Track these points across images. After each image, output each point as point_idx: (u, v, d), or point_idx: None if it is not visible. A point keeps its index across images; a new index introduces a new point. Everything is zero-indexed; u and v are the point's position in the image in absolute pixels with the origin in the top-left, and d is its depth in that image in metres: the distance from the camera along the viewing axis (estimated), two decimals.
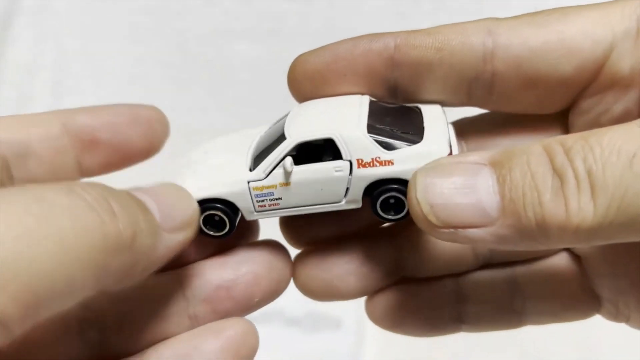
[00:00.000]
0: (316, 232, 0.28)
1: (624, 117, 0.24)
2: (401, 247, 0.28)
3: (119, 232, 0.18)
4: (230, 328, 0.25)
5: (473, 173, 0.20)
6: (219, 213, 0.25)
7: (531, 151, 0.20)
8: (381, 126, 0.24)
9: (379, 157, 0.23)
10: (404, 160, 0.23)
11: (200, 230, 0.25)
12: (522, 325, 0.29)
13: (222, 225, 0.25)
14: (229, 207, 0.25)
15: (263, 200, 0.25)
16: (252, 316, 0.59)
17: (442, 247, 0.28)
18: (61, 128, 0.25)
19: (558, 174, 0.19)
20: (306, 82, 0.26)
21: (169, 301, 0.25)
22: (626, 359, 0.52)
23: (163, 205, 0.21)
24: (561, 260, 0.28)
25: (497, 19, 0.25)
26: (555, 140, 0.20)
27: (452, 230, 0.21)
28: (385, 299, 0.29)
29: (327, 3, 0.62)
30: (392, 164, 0.23)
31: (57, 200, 0.17)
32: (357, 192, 0.24)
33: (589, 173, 0.19)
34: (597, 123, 0.25)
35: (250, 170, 0.25)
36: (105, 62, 0.65)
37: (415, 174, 0.21)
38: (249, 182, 0.25)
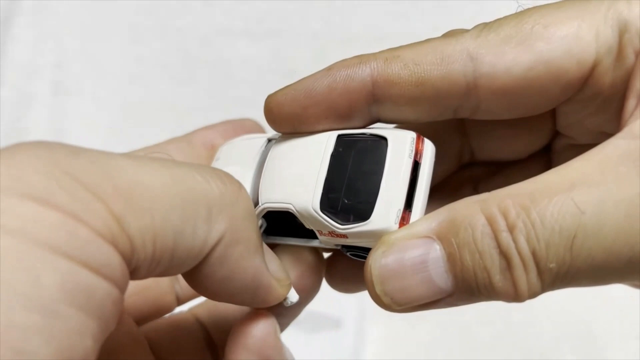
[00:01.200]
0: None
1: (604, 124, 0.25)
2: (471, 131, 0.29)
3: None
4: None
5: (424, 250, 0.21)
6: None
7: (475, 224, 0.20)
8: (334, 195, 0.24)
9: (334, 231, 0.23)
10: (355, 236, 0.23)
11: None
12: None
13: None
14: None
15: None
16: None
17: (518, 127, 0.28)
18: (188, 143, 0.29)
19: (504, 254, 0.20)
20: (285, 125, 0.26)
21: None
22: (626, 359, 0.52)
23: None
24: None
25: (476, 35, 0.24)
26: (498, 210, 0.20)
27: (413, 308, 0.22)
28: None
29: (327, 3, 0.62)
30: (347, 237, 0.23)
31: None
32: (330, 246, 0.25)
33: (534, 254, 0.20)
34: (581, 124, 0.25)
35: None
36: (105, 62, 0.65)
37: (368, 257, 0.22)
38: None
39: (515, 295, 0.20)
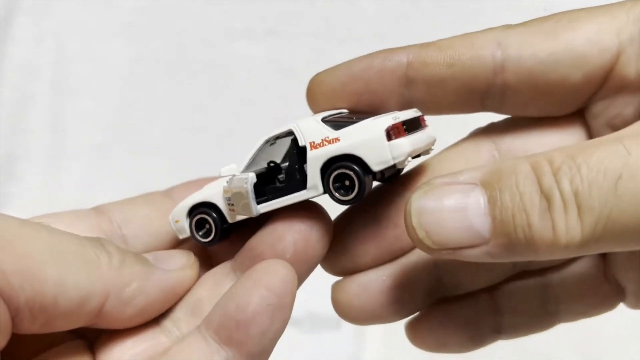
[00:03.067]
0: (355, 259, 0.28)
1: (635, 120, 0.24)
2: (441, 266, 0.28)
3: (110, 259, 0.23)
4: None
5: (464, 195, 0.21)
6: (205, 216, 0.28)
7: (519, 170, 0.20)
8: (335, 118, 0.26)
9: (327, 137, 0.25)
10: (348, 136, 0.25)
11: (193, 236, 0.28)
12: (555, 325, 0.30)
13: (211, 232, 0.28)
14: (214, 211, 0.28)
15: (232, 204, 0.27)
16: None
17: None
18: (169, 199, 0.29)
19: (545, 195, 0.20)
20: (324, 101, 0.27)
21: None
22: (626, 359, 0.52)
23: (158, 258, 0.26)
24: (588, 261, 0.29)
25: (505, 27, 0.25)
26: (544, 158, 0.20)
27: (449, 250, 0.21)
28: (426, 322, 0.30)
29: (327, 3, 0.62)
30: (339, 140, 0.25)
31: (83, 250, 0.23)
32: (314, 175, 0.25)
33: (576, 194, 0.19)
34: (611, 125, 0.25)
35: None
36: (105, 62, 0.65)
37: (410, 199, 0.22)
38: (223, 187, 0.27)
39: (552, 238, 0.20)
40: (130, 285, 0.23)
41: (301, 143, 0.26)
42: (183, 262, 0.26)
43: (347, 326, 0.55)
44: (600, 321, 0.58)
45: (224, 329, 0.23)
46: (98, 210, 0.27)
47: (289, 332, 0.58)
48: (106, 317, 0.23)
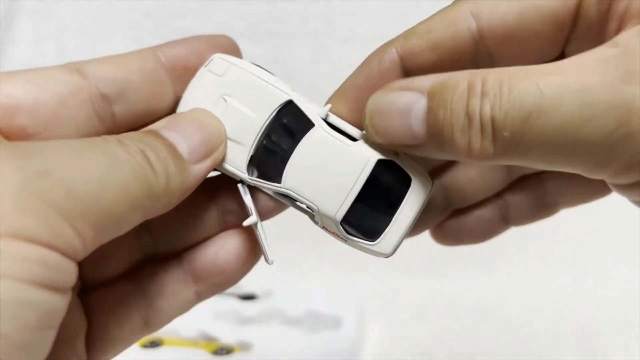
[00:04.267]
0: None
1: None
2: (447, 185, 0.33)
3: (157, 181, 0.22)
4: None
5: (411, 101, 0.24)
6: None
7: (457, 87, 0.23)
8: (355, 213, 0.27)
9: (340, 235, 0.27)
10: (354, 246, 0.28)
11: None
12: (557, 212, 0.34)
13: None
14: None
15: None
16: (252, 316, 0.59)
17: (481, 175, 0.33)
18: (156, 62, 0.27)
19: (469, 116, 0.22)
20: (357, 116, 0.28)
21: (202, 211, 0.28)
22: (626, 359, 0.52)
23: (190, 140, 0.25)
24: None
25: None
26: (480, 78, 0.23)
27: (395, 146, 0.25)
28: (445, 229, 0.34)
29: (326, 3, 0.62)
30: (346, 241, 0.28)
31: (122, 156, 0.22)
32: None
33: (493, 120, 0.22)
34: None
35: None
36: None
37: (369, 98, 0.25)
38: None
39: (469, 153, 0.23)
40: (172, 200, 0.24)
41: (319, 224, 0.28)
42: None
43: (347, 326, 0.55)
44: (601, 321, 0.58)
45: None
46: (79, 70, 0.26)
47: (289, 332, 0.58)
48: (148, 214, 0.23)
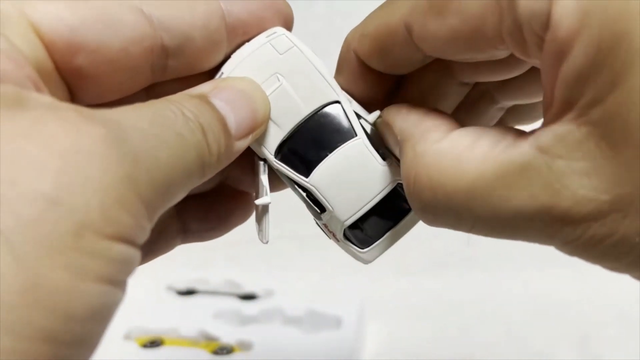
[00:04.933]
0: None
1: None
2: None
3: (210, 160, 0.22)
4: None
5: None
6: None
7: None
8: (362, 221, 0.29)
9: (337, 237, 0.29)
10: (345, 249, 0.29)
11: None
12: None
13: None
14: None
15: None
16: (252, 316, 0.59)
17: None
18: (220, 21, 0.25)
19: None
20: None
21: None
22: (626, 359, 0.52)
23: (238, 115, 0.24)
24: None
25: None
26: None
27: None
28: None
29: (326, 3, 0.62)
30: (339, 241, 0.29)
31: (189, 137, 0.21)
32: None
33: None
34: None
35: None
36: None
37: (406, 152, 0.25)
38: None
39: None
40: (221, 163, 0.23)
41: (327, 226, 0.29)
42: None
43: (347, 326, 0.55)
44: (600, 321, 0.58)
45: None
46: (139, 10, 0.24)
47: (289, 331, 0.58)
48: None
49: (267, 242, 0.28)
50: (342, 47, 0.28)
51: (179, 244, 0.30)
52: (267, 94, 0.26)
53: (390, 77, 0.28)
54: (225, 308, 0.56)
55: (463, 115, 0.29)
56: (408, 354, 0.54)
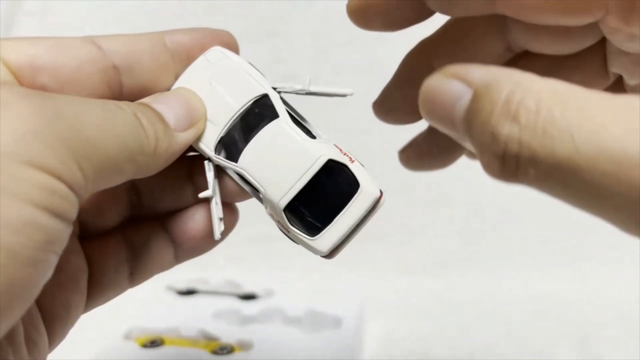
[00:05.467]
0: None
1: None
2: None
3: (148, 141, 0.26)
4: None
5: (458, 94, 0.23)
6: None
7: (497, 101, 0.22)
8: (299, 204, 0.29)
9: (284, 225, 0.29)
10: (296, 239, 0.30)
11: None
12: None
13: None
14: None
15: None
16: (253, 316, 0.59)
17: None
18: (163, 45, 0.29)
19: (494, 136, 0.22)
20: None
21: (180, 182, 0.31)
22: (626, 359, 0.52)
23: (175, 112, 0.28)
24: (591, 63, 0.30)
25: None
26: (521, 92, 0.21)
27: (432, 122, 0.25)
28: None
29: (327, 4, 0.62)
30: (289, 232, 0.30)
31: (119, 114, 0.25)
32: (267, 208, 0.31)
33: (518, 155, 0.21)
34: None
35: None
36: None
37: (429, 77, 0.25)
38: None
39: (487, 170, 0.22)
40: (158, 163, 0.27)
41: (267, 210, 0.30)
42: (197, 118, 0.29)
43: (347, 326, 0.55)
44: (600, 321, 0.58)
45: None
46: (94, 43, 0.29)
47: (289, 331, 0.58)
48: (140, 172, 0.27)
49: (217, 238, 0.30)
50: None
51: (172, 261, 0.32)
52: (202, 97, 0.29)
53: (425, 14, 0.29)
54: (225, 308, 0.56)
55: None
56: (408, 353, 0.54)
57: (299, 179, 0.28)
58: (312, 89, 0.30)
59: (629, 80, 0.28)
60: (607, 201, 0.20)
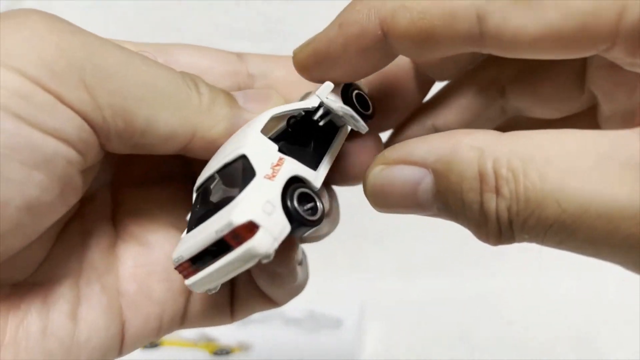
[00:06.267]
0: None
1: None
2: (440, 127, 0.30)
3: (199, 98, 0.25)
4: None
5: (416, 179, 0.22)
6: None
7: (466, 175, 0.21)
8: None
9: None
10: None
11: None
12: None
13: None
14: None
15: None
16: (252, 316, 0.59)
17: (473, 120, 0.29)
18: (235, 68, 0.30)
19: (484, 212, 0.21)
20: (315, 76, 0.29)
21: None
22: (626, 359, 0.52)
23: (247, 95, 0.27)
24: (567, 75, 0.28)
25: None
26: (492, 168, 0.20)
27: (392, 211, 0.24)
28: None
29: (327, 3, 0.62)
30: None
31: (163, 69, 0.25)
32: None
33: (511, 222, 0.20)
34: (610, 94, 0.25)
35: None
36: None
37: (367, 172, 0.24)
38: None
39: (485, 242, 0.22)
40: (217, 127, 0.25)
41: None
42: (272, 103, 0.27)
43: (347, 326, 0.55)
44: (600, 321, 0.58)
45: None
46: (240, 56, 0.29)
47: (289, 332, 0.58)
48: (191, 151, 0.25)
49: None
50: (359, 9, 0.24)
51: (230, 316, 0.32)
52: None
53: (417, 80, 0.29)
54: None
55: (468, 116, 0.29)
56: (408, 354, 0.54)
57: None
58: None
59: (605, 105, 0.26)
60: (603, 249, 0.20)
